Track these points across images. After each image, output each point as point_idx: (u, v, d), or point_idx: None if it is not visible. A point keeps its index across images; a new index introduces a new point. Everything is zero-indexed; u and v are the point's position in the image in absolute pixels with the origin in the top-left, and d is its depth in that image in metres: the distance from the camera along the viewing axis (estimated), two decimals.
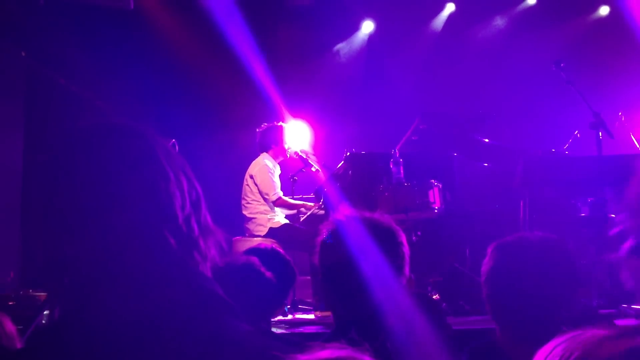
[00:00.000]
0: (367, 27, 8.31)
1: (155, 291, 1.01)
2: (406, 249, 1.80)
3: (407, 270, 1.79)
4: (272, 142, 5.75)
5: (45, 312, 3.60)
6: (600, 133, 4.69)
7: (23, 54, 6.38)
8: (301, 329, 4.36)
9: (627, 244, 0.90)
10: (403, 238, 1.81)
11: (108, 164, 1.05)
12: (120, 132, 1.10)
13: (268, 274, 2.25)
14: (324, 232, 1.85)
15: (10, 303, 4.64)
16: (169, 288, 1.02)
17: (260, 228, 5.55)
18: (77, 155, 1.06)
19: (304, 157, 5.75)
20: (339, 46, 8.29)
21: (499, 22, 8.30)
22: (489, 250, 2.04)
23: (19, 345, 2.07)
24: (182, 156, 1.14)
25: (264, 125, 5.85)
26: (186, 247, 1.06)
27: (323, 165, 5.79)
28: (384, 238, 1.78)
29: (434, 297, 4.89)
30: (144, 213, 1.03)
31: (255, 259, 2.28)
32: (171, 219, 1.05)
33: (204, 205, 1.12)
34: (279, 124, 5.85)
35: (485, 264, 2.03)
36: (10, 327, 2.14)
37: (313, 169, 5.71)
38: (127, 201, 1.02)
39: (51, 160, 1.07)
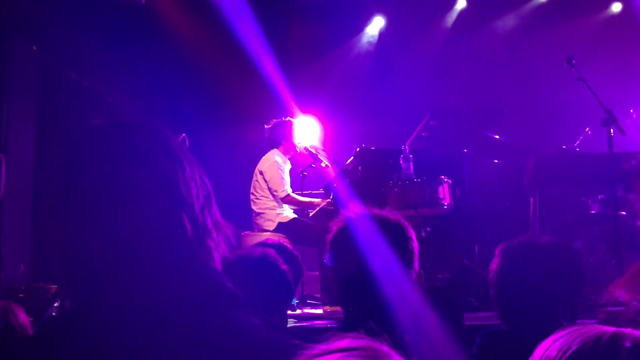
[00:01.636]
0: (378, 22, 8.30)
1: (167, 281, 1.02)
2: (415, 244, 1.81)
3: (416, 265, 1.79)
4: (281, 138, 5.74)
5: (55, 304, 3.63)
6: (611, 130, 4.66)
7: (35, 48, 6.41)
8: (310, 323, 4.37)
9: None
10: (412, 233, 1.82)
11: (127, 155, 1.07)
12: (138, 127, 1.13)
13: (284, 266, 2.22)
14: (333, 229, 1.86)
15: (20, 295, 4.69)
16: (180, 279, 1.03)
17: (269, 223, 5.56)
18: (98, 147, 1.08)
19: (314, 152, 5.73)
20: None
21: (510, 18, 8.27)
22: (497, 251, 2.06)
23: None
24: (192, 152, 1.17)
25: (273, 121, 5.84)
26: (200, 236, 1.08)
27: (333, 161, 5.78)
28: (393, 233, 1.79)
29: None
30: (163, 201, 1.05)
31: (271, 251, 2.26)
32: (189, 206, 1.07)
33: (214, 200, 1.14)
34: (287, 119, 5.84)
35: (493, 264, 2.05)
36: (23, 318, 2.17)
37: (323, 165, 5.70)
38: (146, 190, 1.04)
39: (72, 154, 1.09)
